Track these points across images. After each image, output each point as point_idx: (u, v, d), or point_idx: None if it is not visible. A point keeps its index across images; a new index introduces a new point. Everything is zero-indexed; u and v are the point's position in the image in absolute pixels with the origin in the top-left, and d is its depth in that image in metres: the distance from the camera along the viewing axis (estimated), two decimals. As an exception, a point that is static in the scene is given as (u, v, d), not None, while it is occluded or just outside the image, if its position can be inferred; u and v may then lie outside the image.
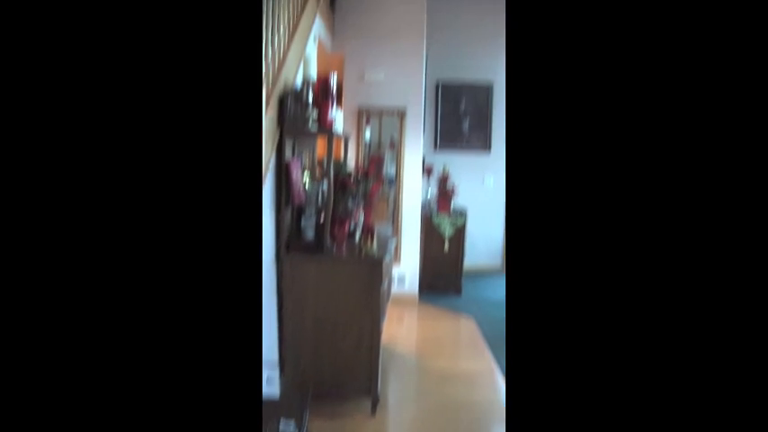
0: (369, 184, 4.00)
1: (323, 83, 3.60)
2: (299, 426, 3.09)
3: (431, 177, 6.68)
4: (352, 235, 3.87)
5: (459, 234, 6.40)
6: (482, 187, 7.52)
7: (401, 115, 5.86)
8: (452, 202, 6.49)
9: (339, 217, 3.66)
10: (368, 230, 3.68)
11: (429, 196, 6.72)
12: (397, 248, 5.93)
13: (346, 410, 3.57)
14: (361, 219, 3.94)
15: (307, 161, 4.17)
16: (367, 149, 5.98)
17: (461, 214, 6.46)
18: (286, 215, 3.55)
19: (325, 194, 3.63)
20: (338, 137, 3.78)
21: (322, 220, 3.66)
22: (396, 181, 5.97)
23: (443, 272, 6.42)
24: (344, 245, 3.69)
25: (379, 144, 6.02)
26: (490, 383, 4.10)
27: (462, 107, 7.47)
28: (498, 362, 4.44)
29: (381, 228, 4.54)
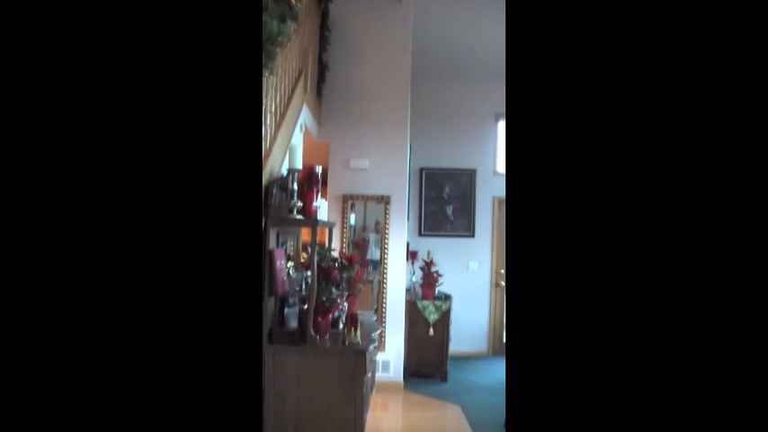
0: (353, 271, 4.00)
1: (308, 172, 3.66)
2: None
3: (415, 262, 6.69)
4: (335, 324, 3.83)
5: (445, 319, 6.35)
6: (466, 272, 7.53)
7: (386, 201, 5.92)
8: (437, 287, 6.47)
9: (323, 306, 3.63)
10: (351, 319, 3.65)
11: (413, 281, 6.71)
12: (382, 334, 5.86)
13: None
14: (345, 307, 3.91)
15: (291, 249, 4.18)
16: (352, 234, 6.01)
17: (446, 299, 6.43)
18: (269, 304, 3.52)
19: (309, 283, 3.61)
20: (323, 225, 3.81)
21: (305, 308, 3.63)
22: (380, 266, 5.97)
23: (429, 357, 6.33)
24: (328, 335, 3.64)
25: (364, 228, 6.06)
26: (477, 478, 3.97)
27: (446, 193, 7.58)
28: (485, 454, 4.32)
29: (365, 316, 4.50)
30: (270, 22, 2.92)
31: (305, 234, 4.67)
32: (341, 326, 3.83)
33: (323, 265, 3.76)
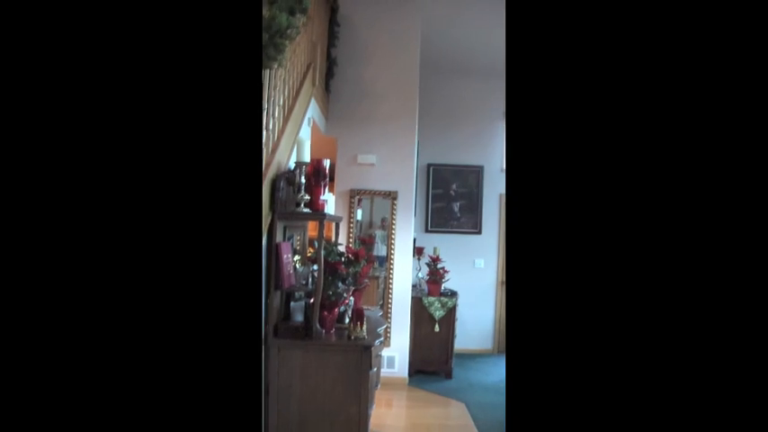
0: (359, 266, 3.99)
1: (316, 165, 3.65)
2: None
3: (421, 259, 6.68)
4: (341, 319, 3.82)
5: (450, 316, 6.33)
6: (473, 269, 7.52)
7: (393, 197, 5.91)
8: (443, 284, 6.46)
9: (329, 301, 3.62)
10: (358, 314, 3.64)
11: (419, 277, 6.70)
12: (387, 329, 5.85)
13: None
14: (351, 302, 3.90)
15: (297, 243, 4.17)
16: (358, 230, 6.00)
17: (452, 296, 6.42)
18: (275, 298, 3.51)
19: (316, 277, 3.61)
20: (329, 219, 3.80)
21: (311, 302, 3.62)
22: (386, 262, 5.96)
23: (434, 354, 6.32)
24: (333, 329, 3.63)
25: (371, 224, 6.05)
26: (481, 475, 3.96)
27: (453, 189, 7.56)
28: (489, 452, 4.30)
29: (371, 311, 4.49)
30: (279, 15, 2.90)
31: (311, 229, 4.67)
32: (347, 320, 3.82)
33: (329, 259, 3.75)
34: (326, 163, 3.68)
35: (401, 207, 5.93)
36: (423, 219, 7.49)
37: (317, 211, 3.60)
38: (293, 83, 4.09)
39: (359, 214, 5.99)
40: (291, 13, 3.05)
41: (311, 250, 4.36)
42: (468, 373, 6.56)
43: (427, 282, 6.46)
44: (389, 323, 5.87)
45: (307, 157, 3.57)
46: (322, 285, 3.53)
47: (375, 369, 3.81)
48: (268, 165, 3.37)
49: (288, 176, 3.56)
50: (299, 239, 4.26)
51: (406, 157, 5.93)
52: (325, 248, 3.62)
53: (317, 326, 3.52)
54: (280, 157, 3.59)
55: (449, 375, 6.31)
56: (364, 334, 3.59)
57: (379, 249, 6.01)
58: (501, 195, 7.56)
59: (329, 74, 5.66)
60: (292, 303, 3.73)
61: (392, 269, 5.94)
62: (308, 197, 3.54)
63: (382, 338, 4.03)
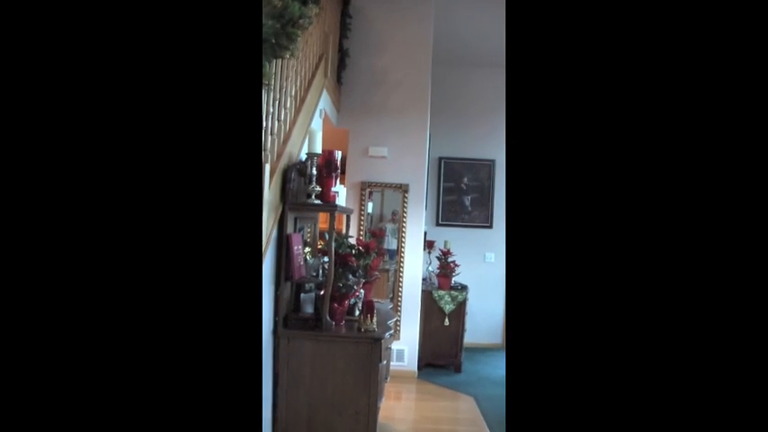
0: (370, 259, 3.98)
1: (327, 157, 3.63)
2: None
3: (432, 252, 6.66)
4: (351, 311, 3.81)
5: (460, 309, 6.32)
6: (483, 263, 7.49)
7: (404, 190, 5.89)
8: (453, 278, 6.44)
9: (339, 293, 3.62)
10: (368, 307, 3.63)
11: (430, 270, 6.68)
12: (397, 323, 5.84)
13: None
14: (362, 295, 3.89)
15: (308, 235, 4.16)
16: (369, 223, 5.99)
17: (462, 289, 6.40)
18: (285, 289, 3.51)
19: (326, 269, 3.60)
20: (341, 211, 3.79)
21: (321, 294, 3.62)
22: (397, 255, 5.95)
23: (443, 348, 6.30)
24: (343, 321, 3.63)
25: (381, 217, 6.04)
26: (490, 469, 3.95)
27: (464, 183, 7.53)
28: (499, 446, 4.29)
29: (382, 304, 4.48)
30: (292, 5, 2.88)
31: (322, 221, 4.66)
32: (357, 313, 3.81)
33: (340, 251, 3.74)
34: (338, 155, 3.66)
35: (412, 200, 5.91)
36: (434, 212, 7.47)
37: (329, 203, 3.59)
38: (305, 74, 4.07)
39: (369, 207, 5.98)
40: (304, 2, 3.02)
41: (321, 242, 4.35)
42: (477, 366, 6.55)
43: (437, 275, 6.45)
44: (399, 316, 5.87)
45: (318, 149, 3.55)
46: (332, 277, 3.53)
47: (385, 362, 3.80)
48: (279, 155, 3.36)
49: (299, 167, 3.55)
50: (310, 231, 4.26)
51: (418, 150, 5.91)
52: (335, 240, 3.61)
53: (327, 317, 3.51)
54: (291, 147, 3.58)
55: (458, 369, 6.29)
56: (374, 326, 3.58)
57: (390, 242, 5.99)
58: (512, 189, 7.50)
59: (341, 65, 5.65)
60: (302, 295, 3.73)
61: (402, 262, 5.93)
62: (319, 189, 3.53)
63: (392, 331, 4.02)
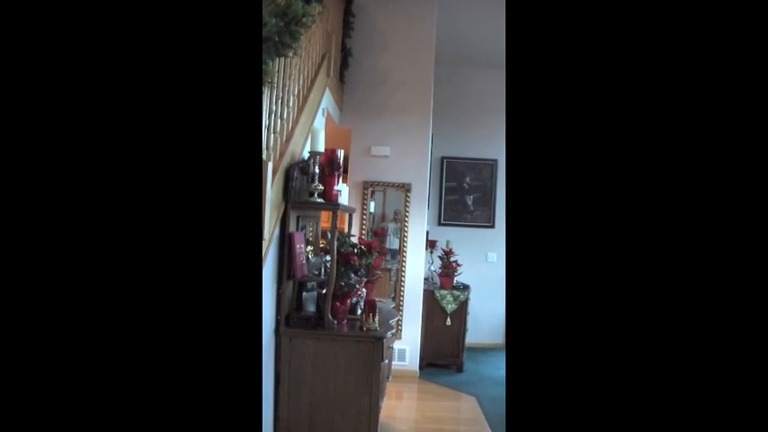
0: (372, 258, 3.97)
1: (330, 156, 3.63)
2: None
3: (434, 251, 6.65)
4: (353, 310, 3.80)
5: (462, 309, 6.31)
6: (485, 263, 7.49)
7: (406, 189, 5.89)
8: (455, 277, 6.43)
9: (341, 291, 3.61)
10: (370, 306, 3.62)
11: (432, 270, 6.68)
12: (399, 322, 5.84)
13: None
14: (363, 294, 3.89)
15: (310, 234, 4.16)
16: (371, 222, 5.98)
17: (464, 289, 6.39)
18: (287, 288, 3.51)
19: (328, 268, 3.59)
20: (343, 210, 3.78)
21: (324, 292, 3.61)
22: (399, 254, 5.94)
23: (445, 347, 6.30)
24: (345, 320, 3.62)
25: (383, 217, 6.03)
26: (492, 469, 3.94)
27: (467, 182, 7.52)
28: (500, 446, 4.28)
29: (383, 303, 4.48)
30: (295, 3, 2.88)
31: (324, 220, 4.66)
32: (359, 312, 3.81)
33: (342, 250, 3.74)
34: (341, 153, 3.66)
35: (414, 200, 5.91)
36: (436, 212, 7.47)
37: (331, 201, 3.58)
38: (308, 72, 4.07)
39: (372, 206, 5.98)
40: (307, 1, 3.02)
41: (324, 241, 4.35)
42: (479, 366, 6.54)
43: (439, 275, 6.44)
44: (401, 316, 5.86)
45: (321, 147, 3.55)
46: (335, 276, 3.52)
47: (387, 361, 3.80)
48: (282, 153, 3.36)
49: (302, 166, 3.55)
50: (312, 230, 4.25)
51: (420, 150, 5.91)
52: (338, 239, 3.60)
53: (329, 316, 3.51)
54: (294, 146, 3.57)
55: (460, 369, 6.29)
56: (376, 325, 3.57)
57: (392, 242, 5.99)
58: (515, 189, 7.50)
59: (344, 65, 5.65)
60: (304, 293, 3.72)
61: (404, 262, 5.93)
62: (321, 187, 3.53)
63: (394, 330, 4.02)
